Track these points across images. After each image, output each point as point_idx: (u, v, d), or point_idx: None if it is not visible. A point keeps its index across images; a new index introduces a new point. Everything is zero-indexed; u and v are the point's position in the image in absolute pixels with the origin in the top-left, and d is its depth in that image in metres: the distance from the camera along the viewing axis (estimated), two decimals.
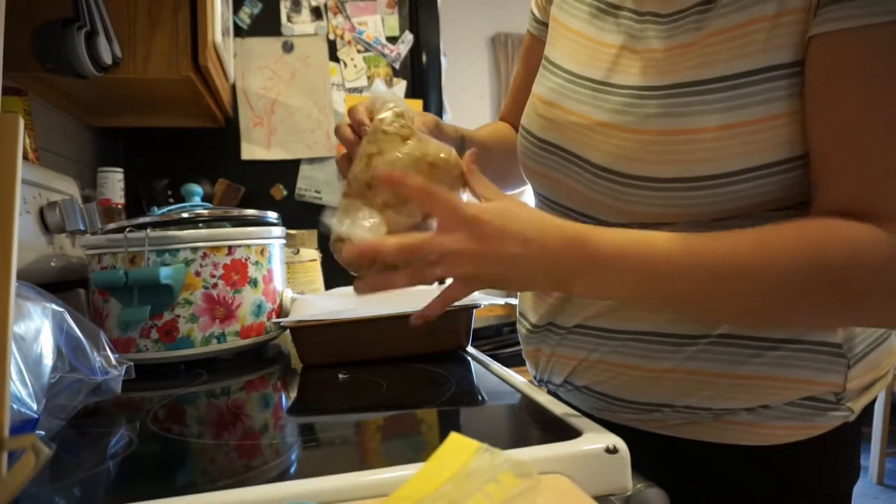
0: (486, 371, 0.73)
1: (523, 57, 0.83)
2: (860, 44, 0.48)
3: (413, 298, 0.85)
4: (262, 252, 0.90)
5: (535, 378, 0.75)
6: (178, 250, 0.82)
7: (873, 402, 0.66)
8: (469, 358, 0.80)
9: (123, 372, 0.62)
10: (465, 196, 0.58)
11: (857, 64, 0.48)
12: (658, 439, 0.63)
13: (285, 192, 1.83)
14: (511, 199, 0.55)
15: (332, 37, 1.85)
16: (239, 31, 1.80)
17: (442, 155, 0.57)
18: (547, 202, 0.69)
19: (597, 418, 0.64)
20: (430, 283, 0.54)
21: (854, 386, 0.59)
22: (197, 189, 1.06)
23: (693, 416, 0.61)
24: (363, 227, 0.55)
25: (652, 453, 0.57)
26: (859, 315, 0.52)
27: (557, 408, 0.56)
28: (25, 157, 1.01)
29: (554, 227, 0.51)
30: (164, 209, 0.90)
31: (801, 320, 0.53)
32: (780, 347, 0.57)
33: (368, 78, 1.87)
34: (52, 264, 0.98)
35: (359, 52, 1.86)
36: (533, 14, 0.79)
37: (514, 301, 0.83)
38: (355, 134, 0.61)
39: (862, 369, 0.59)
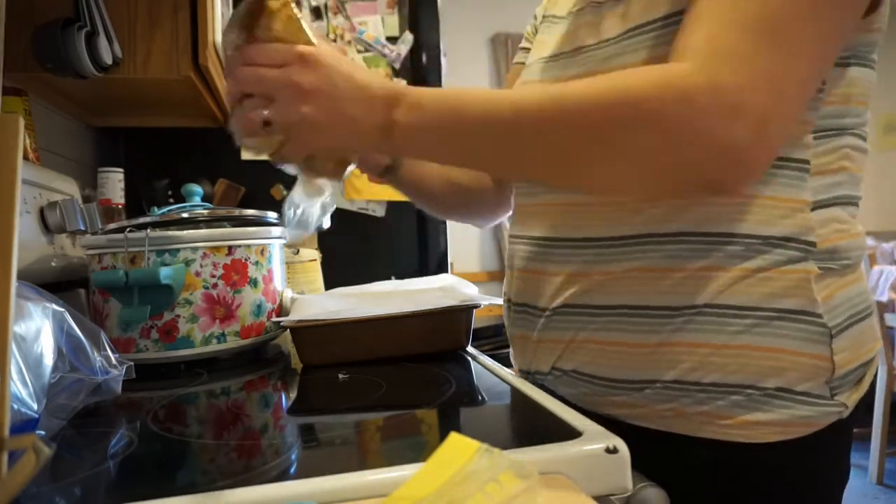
0: (486, 371, 0.73)
1: (508, 84, 0.85)
2: None
3: (413, 298, 0.85)
4: (262, 252, 0.90)
5: (520, 371, 0.75)
6: (178, 250, 0.82)
7: (868, 401, 0.66)
8: (469, 358, 0.80)
9: (123, 372, 0.62)
10: None
11: None
12: (648, 435, 0.62)
13: (285, 192, 1.82)
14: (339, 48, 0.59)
15: (332, 37, 1.85)
16: None
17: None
18: None
19: (586, 411, 0.63)
20: (252, 122, 0.55)
21: (842, 363, 0.59)
22: (197, 189, 1.06)
23: (680, 395, 0.60)
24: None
25: (641, 449, 0.57)
26: (661, 141, 0.50)
27: (558, 408, 0.56)
28: (26, 157, 1.01)
29: (378, 76, 0.57)
30: (164, 209, 0.90)
31: (616, 154, 0.53)
32: (761, 316, 0.58)
33: None
34: (53, 264, 0.98)
35: (359, 52, 1.86)
36: (523, 48, 0.84)
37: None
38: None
39: (846, 343, 0.59)
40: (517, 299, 0.74)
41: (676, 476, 0.52)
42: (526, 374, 0.74)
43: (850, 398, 0.61)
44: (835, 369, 0.59)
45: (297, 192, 0.65)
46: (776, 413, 0.58)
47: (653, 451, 0.57)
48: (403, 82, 0.70)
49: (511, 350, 0.79)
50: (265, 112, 0.53)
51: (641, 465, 0.47)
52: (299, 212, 0.66)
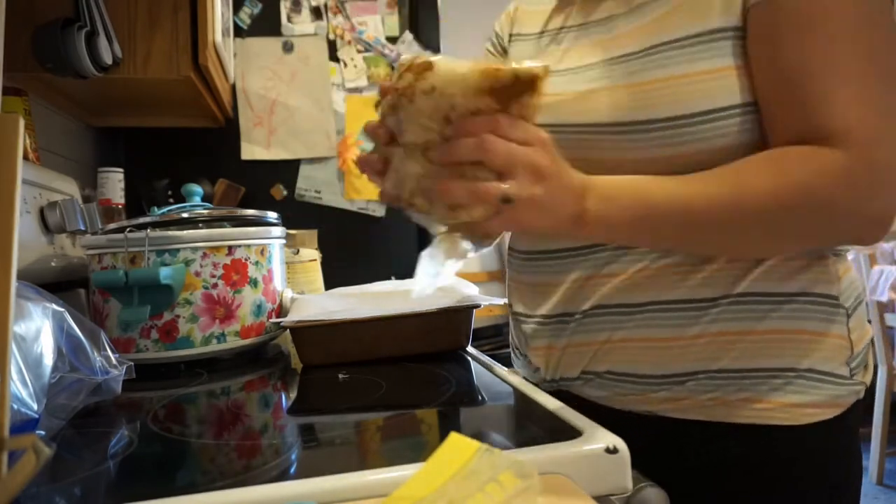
0: (486, 371, 0.73)
1: None
2: (787, 7, 0.57)
3: (413, 299, 0.85)
4: (262, 252, 0.90)
5: (543, 379, 0.74)
6: (178, 250, 0.82)
7: (868, 402, 0.68)
8: (469, 358, 0.80)
9: (123, 372, 0.62)
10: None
11: (786, 19, 0.57)
12: (683, 425, 0.64)
13: (285, 192, 1.83)
14: None
15: (332, 37, 1.85)
16: (239, 31, 1.80)
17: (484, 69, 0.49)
18: None
19: (617, 411, 0.66)
20: (489, 202, 0.50)
21: (856, 342, 0.63)
22: (197, 189, 1.06)
23: (725, 384, 0.62)
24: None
25: (673, 440, 0.64)
26: (827, 222, 0.57)
27: (558, 408, 0.56)
28: (25, 157, 1.01)
29: (570, 166, 0.56)
30: (164, 209, 0.90)
31: (785, 237, 0.59)
32: (792, 301, 0.62)
33: (368, 78, 1.87)
34: (53, 264, 0.98)
35: (359, 52, 1.86)
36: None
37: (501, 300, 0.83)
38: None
39: (856, 323, 0.64)
40: (547, 311, 0.72)
41: (697, 462, 0.58)
42: (546, 382, 0.73)
43: (866, 377, 0.65)
44: (853, 348, 0.63)
45: (436, 250, 0.59)
46: (812, 394, 0.61)
47: (675, 438, 0.64)
48: None
49: (519, 360, 0.79)
50: (504, 186, 0.50)
51: (671, 459, 0.48)
52: (434, 268, 0.63)
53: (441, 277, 0.61)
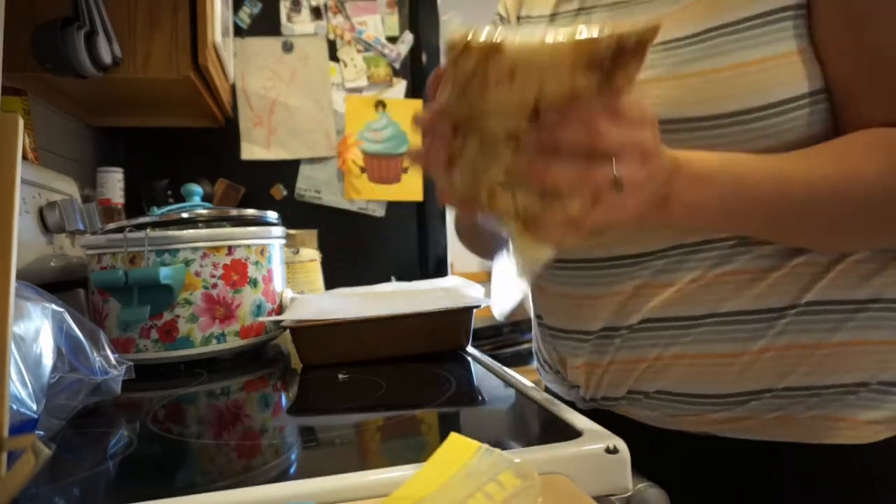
0: (486, 371, 0.73)
1: None
2: None
3: (413, 299, 0.85)
4: (262, 252, 0.90)
5: (581, 398, 0.67)
6: (178, 250, 0.82)
7: None
8: (469, 358, 0.80)
9: (123, 372, 0.62)
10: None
11: None
12: (741, 445, 0.58)
13: (285, 192, 1.83)
14: None
15: (331, 37, 1.85)
16: (239, 31, 1.80)
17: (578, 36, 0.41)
18: None
19: (666, 430, 0.61)
20: (596, 184, 0.43)
21: None
22: (197, 189, 1.06)
23: (791, 402, 0.56)
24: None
25: (730, 461, 0.58)
26: None
27: (558, 408, 0.56)
28: (25, 157, 1.01)
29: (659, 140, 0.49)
30: (164, 209, 0.90)
31: (887, 231, 0.53)
32: (866, 308, 0.56)
33: (368, 78, 1.87)
34: (52, 264, 0.98)
35: (359, 52, 1.86)
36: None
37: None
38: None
39: None
40: (591, 328, 0.64)
41: (756, 484, 0.53)
42: (585, 402, 0.67)
43: None
44: None
45: (516, 258, 0.50)
46: (885, 409, 0.56)
47: (741, 463, 0.58)
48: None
49: (549, 375, 0.73)
50: (615, 171, 0.43)
51: (727, 481, 0.46)
52: (513, 278, 0.59)
53: (522, 287, 0.56)
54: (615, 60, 0.41)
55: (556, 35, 0.41)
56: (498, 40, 0.41)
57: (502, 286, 0.54)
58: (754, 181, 0.51)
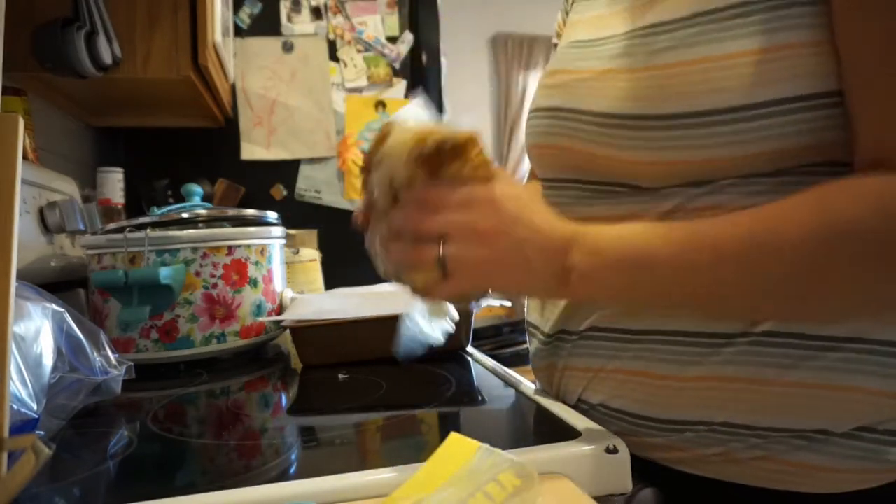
0: (486, 371, 0.73)
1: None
2: None
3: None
4: (262, 252, 0.90)
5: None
6: (178, 250, 0.82)
7: None
8: (469, 358, 0.80)
9: (123, 372, 0.62)
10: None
11: None
12: (696, 483, 0.52)
13: (285, 192, 1.83)
14: (519, 184, 0.52)
15: (332, 37, 1.85)
16: (239, 31, 1.80)
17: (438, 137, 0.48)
18: (558, 184, 0.61)
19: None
20: (426, 261, 0.47)
21: None
22: (197, 189, 1.06)
23: (733, 440, 0.50)
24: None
25: (675, 495, 0.51)
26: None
27: (558, 408, 0.56)
28: (25, 157, 1.01)
29: (559, 219, 0.49)
30: (164, 209, 0.90)
31: (841, 296, 0.45)
32: (840, 348, 0.48)
33: (368, 78, 1.87)
34: (52, 264, 0.98)
35: (359, 52, 1.86)
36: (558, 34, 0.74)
37: (507, 303, 0.80)
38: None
39: None
40: (548, 330, 0.63)
41: None
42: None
43: None
44: None
45: (419, 311, 0.60)
46: (847, 458, 0.49)
47: (689, 497, 0.52)
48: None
49: (536, 381, 0.71)
50: (440, 252, 0.47)
51: None
52: (418, 329, 0.62)
53: (430, 338, 0.61)
54: (438, 159, 0.48)
55: (406, 133, 0.49)
56: (390, 125, 0.50)
57: (411, 333, 0.59)
58: (653, 244, 0.46)
